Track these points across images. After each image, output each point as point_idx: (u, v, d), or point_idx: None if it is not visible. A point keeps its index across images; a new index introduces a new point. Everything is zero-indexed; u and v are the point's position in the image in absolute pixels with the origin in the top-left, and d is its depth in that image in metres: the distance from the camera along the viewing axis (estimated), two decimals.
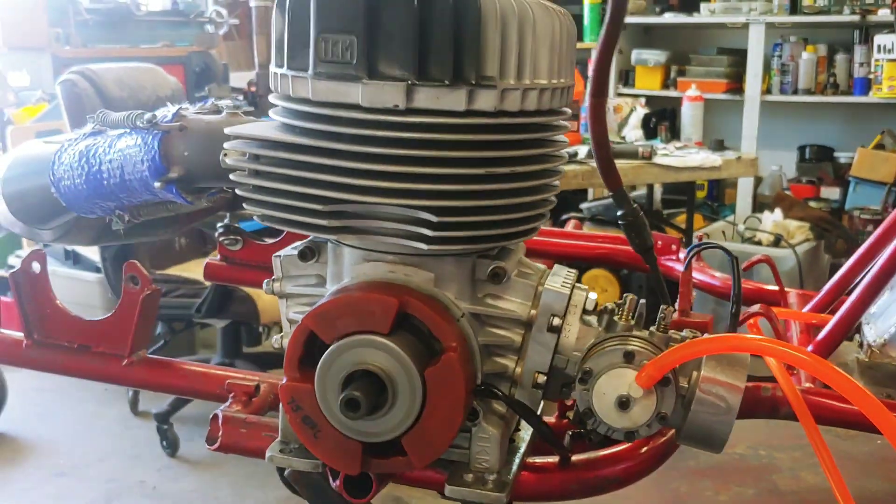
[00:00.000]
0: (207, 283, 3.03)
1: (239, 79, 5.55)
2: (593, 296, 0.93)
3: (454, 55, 0.80)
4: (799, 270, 3.89)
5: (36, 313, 1.17)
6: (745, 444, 1.70)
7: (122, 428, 3.30)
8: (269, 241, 1.56)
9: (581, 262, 1.83)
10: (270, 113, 0.90)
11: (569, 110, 0.92)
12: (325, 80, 0.83)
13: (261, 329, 3.29)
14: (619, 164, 3.64)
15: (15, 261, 3.85)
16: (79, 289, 3.60)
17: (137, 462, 3.04)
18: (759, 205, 4.82)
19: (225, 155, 0.92)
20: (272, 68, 0.89)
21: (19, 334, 1.19)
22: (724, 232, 4.41)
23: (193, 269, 3.33)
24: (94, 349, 1.16)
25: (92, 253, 3.49)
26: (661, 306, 0.91)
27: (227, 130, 0.90)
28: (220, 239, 1.52)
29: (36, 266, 1.15)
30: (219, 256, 1.56)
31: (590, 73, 1.06)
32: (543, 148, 0.89)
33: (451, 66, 0.80)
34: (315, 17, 0.81)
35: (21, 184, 1.18)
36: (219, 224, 1.54)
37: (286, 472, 1.02)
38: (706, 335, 0.91)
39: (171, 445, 3.10)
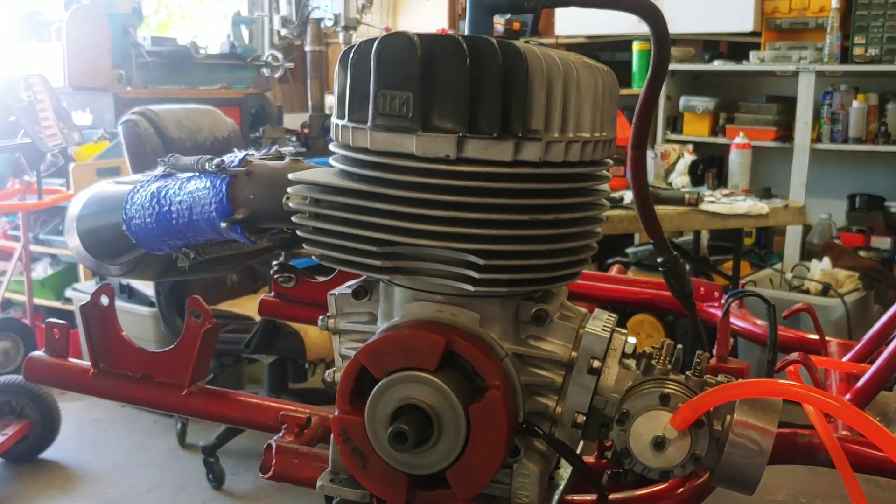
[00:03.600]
0: (257, 319, 3.09)
1: (292, 120, 5.69)
2: (632, 340, 0.96)
3: (502, 110, 0.85)
4: (847, 320, 3.84)
5: (102, 344, 1.23)
6: (785, 491, 1.70)
7: (170, 460, 3.34)
8: (321, 279, 1.62)
9: (624, 307, 1.86)
10: (331, 160, 0.96)
11: (611, 161, 0.97)
12: (382, 132, 0.89)
13: (307, 365, 3.32)
14: (666, 210, 3.67)
15: (72, 294, 3.97)
16: (133, 322, 3.67)
17: (184, 493, 3.08)
18: (808, 253, 4.77)
19: (288, 199, 0.98)
20: (333, 120, 0.95)
21: (87, 363, 1.26)
22: (771, 280, 4.37)
23: (244, 305, 3.38)
24: (156, 379, 1.21)
25: (146, 287, 3.57)
26: (697, 352, 0.94)
27: (290, 176, 0.97)
28: (275, 276, 1.58)
29: (104, 299, 1.21)
30: (273, 293, 1.62)
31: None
32: (586, 197, 0.94)
33: (500, 120, 0.85)
34: (375, 74, 0.87)
35: (95, 221, 1.25)
36: (274, 262, 1.60)
37: (334, 503, 1.06)
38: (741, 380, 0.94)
39: (216, 478, 3.13)
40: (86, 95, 4.64)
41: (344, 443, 0.92)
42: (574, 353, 0.94)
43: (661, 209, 3.55)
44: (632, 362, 0.96)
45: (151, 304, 3.49)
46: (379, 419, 0.90)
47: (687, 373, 0.94)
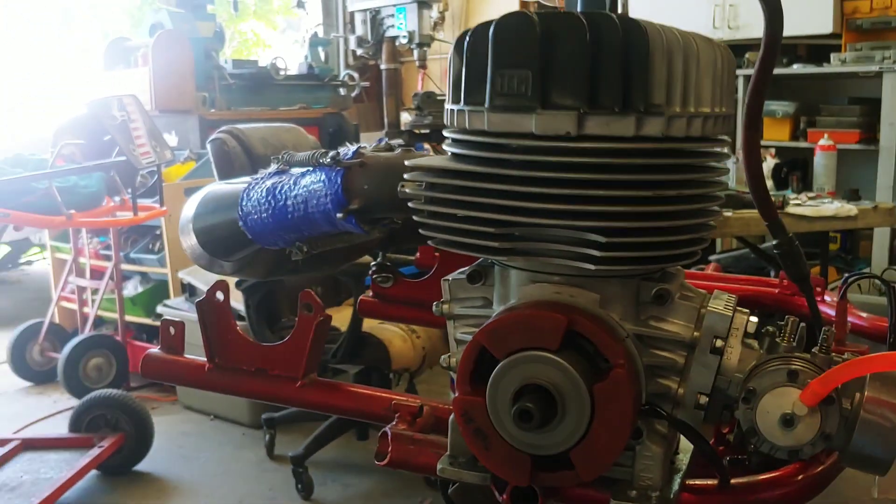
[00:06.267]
0: (342, 330, 3.13)
1: (368, 139, 5.78)
2: (755, 319, 0.95)
3: (623, 85, 0.85)
4: None
5: (218, 339, 1.26)
6: None
7: (259, 471, 3.38)
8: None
9: None
10: (444, 146, 0.98)
11: (728, 138, 0.96)
12: (500, 112, 0.89)
13: (391, 375, 3.34)
14: (751, 213, 3.59)
15: (162, 310, 4.06)
16: None
17: None
18: None
19: (403, 186, 1.00)
20: (448, 106, 0.96)
21: (202, 359, 1.29)
22: (859, 285, 4.26)
23: None
24: (271, 372, 1.24)
25: (235, 301, 3.64)
26: (823, 328, 0.92)
27: (407, 162, 0.98)
28: (374, 276, 1.60)
29: (219, 295, 1.24)
30: (371, 293, 1.64)
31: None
32: (707, 173, 0.93)
33: (621, 95, 0.85)
34: (492, 55, 0.88)
35: (211, 219, 1.29)
36: (372, 263, 1.62)
37: (450, 491, 1.07)
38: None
39: (305, 489, 3.15)
40: (171, 118, 4.78)
41: (466, 424, 0.93)
42: (696, 333, 0.93)
43: (745, 213, 3.49)
44: (754, 342, 0.95)
45: (241, 318, 3.56)
46: (501, 399, 0.90)
47: (813, 350, 0.92)
